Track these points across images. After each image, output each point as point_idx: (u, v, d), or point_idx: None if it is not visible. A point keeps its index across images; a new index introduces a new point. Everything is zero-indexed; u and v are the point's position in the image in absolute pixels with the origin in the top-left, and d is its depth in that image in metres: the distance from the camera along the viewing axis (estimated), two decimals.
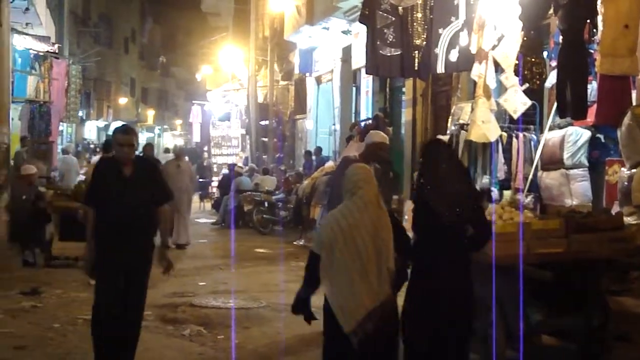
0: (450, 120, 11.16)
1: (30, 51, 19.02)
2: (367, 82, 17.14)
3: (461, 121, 10.21)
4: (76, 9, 36.55)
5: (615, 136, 8.45)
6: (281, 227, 16.35)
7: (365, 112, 17.14)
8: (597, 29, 7.53)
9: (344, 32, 17.89)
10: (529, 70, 8.47)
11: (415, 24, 9.87)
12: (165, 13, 57.73)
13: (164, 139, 56.83)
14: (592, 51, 8.01)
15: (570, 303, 6.04)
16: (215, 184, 24.10)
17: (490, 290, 5.53)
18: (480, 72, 8.65)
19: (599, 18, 7.41)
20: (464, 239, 4.84)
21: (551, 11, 8.12)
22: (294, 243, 14.55)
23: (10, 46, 12.46)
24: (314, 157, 19.09)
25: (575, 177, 9.06)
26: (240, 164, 23.92)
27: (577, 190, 9.02)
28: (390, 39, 9.97)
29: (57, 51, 21.44)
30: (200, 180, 22.76)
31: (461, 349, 4.87)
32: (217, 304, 9.01)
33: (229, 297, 9.34)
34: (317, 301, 4.72)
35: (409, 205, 11.83)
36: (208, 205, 22.99)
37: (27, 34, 18.36)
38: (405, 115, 15.16)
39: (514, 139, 9.68)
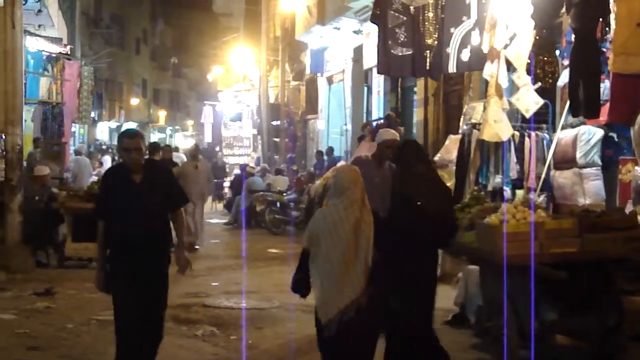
0: (462, 119, 11.12)
1: (43, 53, 19.11)
2: (378, 82, 17.12)
3: (473, 121, 10.17)
4: (88, 11, 36.70)
5: (629, 135, 8.39)
6: (293, 227, 16.35)
7: (377, 111, 17.12)
8: (609, 28, 7.49)
9: (356, 32, 17.87)
10: (541, 69, 8.44)
11: (426, 23, 9.86)
12: (176, 14, 57.88)
13: (175, 139, 56.97)
14: (604, 50, 7.96)
15: (584, 303, 6.01)
16: (227, 184, 24.14)
17: (504, 290, 5.52)
18: (492, 71, 8.63)
19: (612, 16, 7.37)
20: (432, 234, 5.54)
21: (563, 10, 8.09)
22: None
23: (22, 48, 12.49)
24: (325, 157, 19.09)
25: (588, 176, 9.00)
26: (251, 164, 23.96)
27: (590, 189, 8.97)
28: (402, 39, 9.96)
29: (69, 52, 21.51)
30: (215, 180, 22.80)
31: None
32: (230, 304, 9.03)
33: (242, 297, 9.35)
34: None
35: None
36: (220, 205, 23.04)
37: (39, 36, 18.43)
38: (417, 115, 15.13)
39: (527, 138, 9.64)
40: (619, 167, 8.56)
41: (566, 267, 5.70)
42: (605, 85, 8.02)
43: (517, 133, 9.44)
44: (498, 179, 9.46)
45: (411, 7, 9.86)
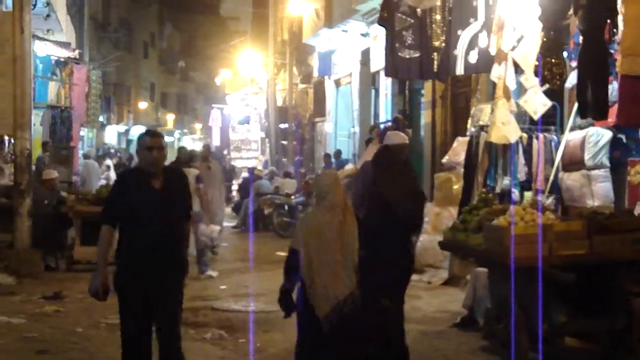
0: (469, 121, 11.11)
1: (52, 57, 19.18)
2: (386, 85, 17.12)
3: (481, 123, 10.15)
4: (96, 15, 36.84)
5: (637, 136, 8.38)
6: None
7: (385, 114, 17.11)
8: (617, 29, 7.46)
9: (363, 35, 17.88)
10: (549, 71, 8.42)
11: (434, 25, 9.85)
12: (184, 18, 58.00)
13: (183, 143, 57.11)
14: (612, 51, 7.94)
15: (593, 305, 6.00)
16: (235, 187, 24.17)
17: (512, 292, 5.51)
18: (500, 73, 8.61)
19: (620, 18, 7.34)
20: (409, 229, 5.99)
21: (571, 11, 8.06)
22: None
23: (31, 53, 12.54)
24: (333, 160, 19.08)
25: (597, 178, 8.98)
26: (259, 167, 23.98)
27: (599, 191, 8.94)
28: (409, 41, 9.96)
29: (77, 57, 21.61)
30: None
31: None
32: (238, 307, 9.03)
33: (250, 300, 9.35)
34: None
35: (429, 208, 11.83)
36: (228, 208, 23.05)
37: (48, 40, 18.51)
38: (425, 117, 15.13)
39: (535, 140, 9.62)
40: (628, 169, 8.53)
41: (575, 269, 5.68)
42: (613, 87, 7.99)
43: (525, 135, 9.42)
44: (506, 181, 9.45)
45: (418, 10, 9.85)
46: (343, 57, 20.64)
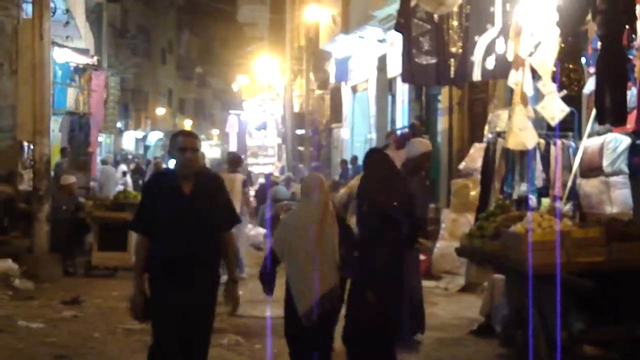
0: (486, 128, 11.07)
1: (70, 64, 19.33)
2: (402, 91, 17.10)
3: (498, 129, 10.11)
4: (114, 22, 37.12)
5: None
6: None
7: (401, 120, 17.09)
8: (636, 35, 7.42)
9: (380, 41, 17.88)
10: (567, 76, 8.38)
11: (450, 31, 9.83)
12: (201, 24, 58.29)
13: (200, 148, 57.28)
14: (631, 57, 7.89)
15: (612, 312, 5.95)
16: (252, 193, 24.20)
17: (530, 299, 5.48)
18: (517, 79, 8.58)
19: (638, 23, 7.30)
20: (399, 234, 6.08)
21: (589, 17, 8.02)
22: None
23: (50, 59, 12.65)
24: (350, 166, 19.08)
25: (615, 184, 8.92)
26: (276, 173, 24.02)
27: (617, 198, 8.88)
28: (426, 47, 9.95)
29: (96, 63, 21.76)
30: None
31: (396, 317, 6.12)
32: (255, 313, 9.03)
33: (267, 306, 9.35)
34: None
35: (446, 214, 11.80)
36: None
37: (67, 47, 18.66)
38: (442, 123, 15.09)
39: (552, 147, 9.58)
40: None
41: (594, 277, 5.65)
42: (632, 93, 7.94)
43: (542, 141, 9.38)
44: (523, 187, 9.41)
45: (435, 16, 9.83)
46: (360, 63, 20.65)
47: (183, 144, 4.73)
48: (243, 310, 9.17)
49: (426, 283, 9.51)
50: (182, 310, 4.64)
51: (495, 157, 9.65)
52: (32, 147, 12.23)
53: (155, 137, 47.19)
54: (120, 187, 18.87)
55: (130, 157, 34.90)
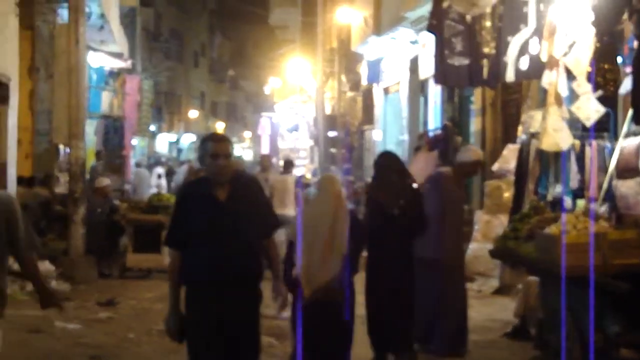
0: (520, 128, 10.97)
1: (105, 68, 19.57)
2: (435, 92, 17.02)
3: (532, 130, 10.02)
4: (148, 26, 37.45)
5: None
6: None
7: (434, 121, 17.01)
8: None
9: (412, 42, 17.83)
10: (603, 77, 8.29)
11: (483, 32, 9.77)
12: (233, 27, 58.64)
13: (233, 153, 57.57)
14: None
15: None
16: None
17: (566, 301, 5.42)
18: (552, 79, 8.50)
19: None
20: (407, 230, 6.43)
21: (625, 16, 7.92)
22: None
23: (86, 64, 12.82)
24: None
25: None
26: (308, 175, 24.05)
27: None
28: (459, 49, 9.89)
29: (130, 67, 21.98)
30: None
31: (407, 314, 6.43)
32: (288, 315, 9.03)
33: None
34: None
35: (479, 216, 11.72)
36: None
37: (101, 51, 18.88)
38: (474, 124, 14.99)
39: (587, 147, 9.47)
40: None
41: (630, 279, 5.57)
42: None
43: (577, 142, 9.28)
44: (558, 188, 9.31)
45: (468, 17, 9.78)
46: (392, 65, 20.60)
47: (215, 150, 4.35)
48: (276, 312, 9.21)
49: None
50: (222, 328, 4.30)
51: (529, 158, 9.57)
52: (68, 150, 12.39)
53: (188, 139, 47.54)
54: (154, 190, 19.04)
55: (163, 160, 35.19)
